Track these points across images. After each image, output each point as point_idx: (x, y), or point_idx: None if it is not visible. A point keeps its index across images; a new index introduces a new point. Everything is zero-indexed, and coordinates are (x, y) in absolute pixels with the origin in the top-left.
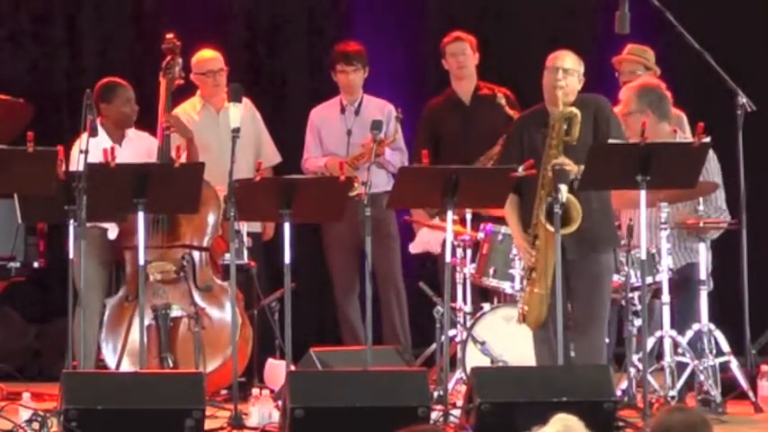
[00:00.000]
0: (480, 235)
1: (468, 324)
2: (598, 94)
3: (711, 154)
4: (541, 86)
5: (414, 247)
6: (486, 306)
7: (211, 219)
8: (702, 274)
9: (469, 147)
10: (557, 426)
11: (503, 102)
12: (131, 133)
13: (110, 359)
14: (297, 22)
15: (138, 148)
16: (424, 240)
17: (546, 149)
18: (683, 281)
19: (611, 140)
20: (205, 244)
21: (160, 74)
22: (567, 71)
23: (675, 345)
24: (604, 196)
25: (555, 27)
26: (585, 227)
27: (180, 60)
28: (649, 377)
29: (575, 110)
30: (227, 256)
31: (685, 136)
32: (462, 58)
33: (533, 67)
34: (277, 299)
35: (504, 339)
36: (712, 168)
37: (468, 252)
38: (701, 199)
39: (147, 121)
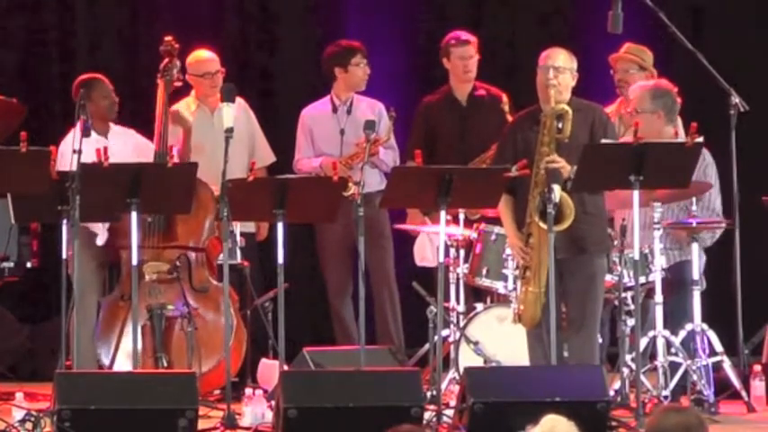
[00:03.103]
0: (473, 235)
1: (462, 324)
2: (595, 103)
3: (710, 159)
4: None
5: (417, 260)
6: (480, 306)
7: (207, 220)
8: (695, 274)
9: (466, 148)
10: (545, 427)
11: (506, 108)
12: (115, 127)
13: (104, 358)
14: (290, 21)
15: (125, 141)
16: (427, 256)
17: (537, 146)
18: (676, 281)
19: (603, 140)
20: (201, 245)
21: (158, 76)
22: (558, 69)
23: (668, 345)
24: (599, 202)
25: (551, 25)
26: (580, 227)
27: (178, 63)
28: (642, 377)
29: (566, 107)
30: (222, 256)
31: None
32: (471, 62)
33: (529, 67)
34: (270, 299)
35: (497, 339)
36: (712, 173)
37: (462, 252)
38: (693, 199)
39: (143, 123)
